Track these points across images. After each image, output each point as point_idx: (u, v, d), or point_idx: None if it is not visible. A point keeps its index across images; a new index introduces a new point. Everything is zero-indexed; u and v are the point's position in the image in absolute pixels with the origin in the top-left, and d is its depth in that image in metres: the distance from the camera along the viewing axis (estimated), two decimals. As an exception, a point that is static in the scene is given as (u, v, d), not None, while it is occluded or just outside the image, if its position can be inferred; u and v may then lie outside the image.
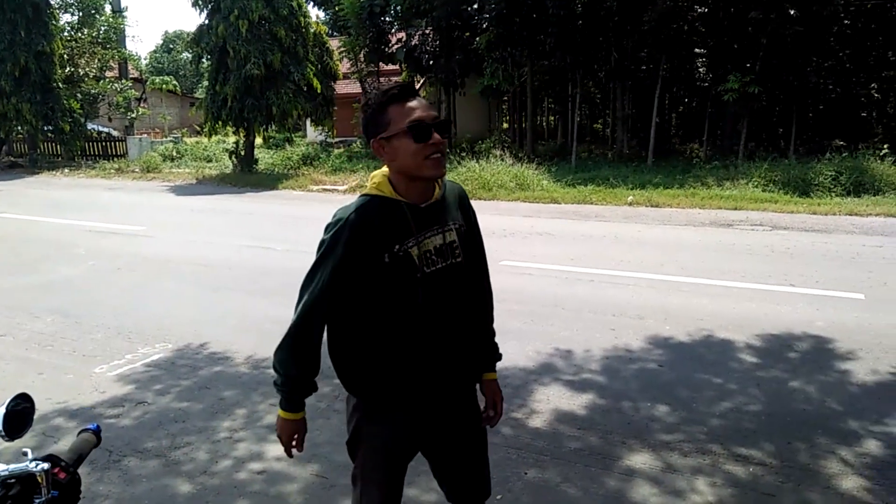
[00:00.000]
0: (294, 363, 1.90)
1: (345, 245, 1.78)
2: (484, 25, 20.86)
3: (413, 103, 1.77)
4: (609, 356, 4.77)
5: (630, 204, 12.19)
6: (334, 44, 24.30)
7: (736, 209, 11.35)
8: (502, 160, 15.80)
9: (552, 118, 30.63)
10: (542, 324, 5.52)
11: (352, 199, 1.87)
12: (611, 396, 4.12)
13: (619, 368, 4.56)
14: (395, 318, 1.86)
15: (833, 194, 12.52)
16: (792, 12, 16.62)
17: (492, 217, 10.85)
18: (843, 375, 4.36)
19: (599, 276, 6.97)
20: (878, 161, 13.57)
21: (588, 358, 4.74)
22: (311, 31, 20.05)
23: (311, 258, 1.83)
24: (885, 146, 14.48)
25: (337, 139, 27.12)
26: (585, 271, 7.20)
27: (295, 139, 27.91)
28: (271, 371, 4.71)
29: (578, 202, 12.57)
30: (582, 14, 18.95)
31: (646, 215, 11.08)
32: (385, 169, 1.88)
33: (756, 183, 13.38)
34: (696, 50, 21.16)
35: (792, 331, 5.20)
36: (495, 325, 2.17)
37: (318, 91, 19.93)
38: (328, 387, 4.28)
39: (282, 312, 6.25)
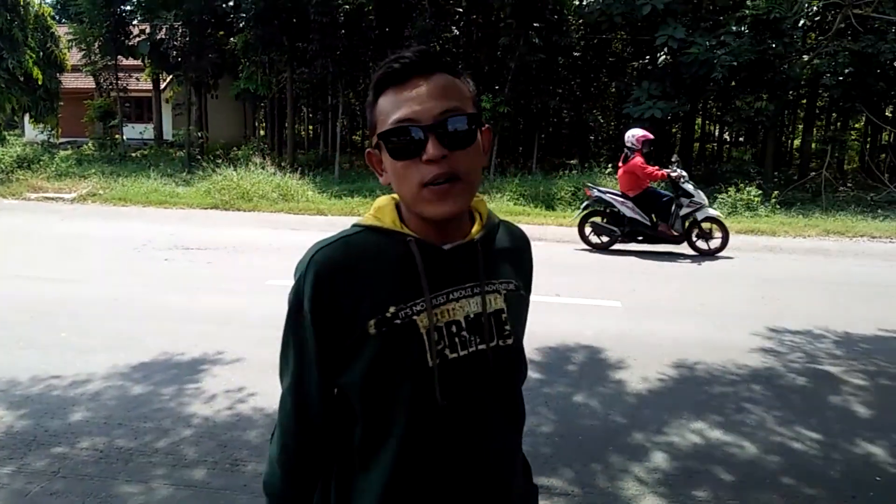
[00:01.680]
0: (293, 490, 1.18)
1: (311, 303, 1.07)
2: (240, 25, 19.66)
3: (410, 91, 1.04)
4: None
5: (397, 216, 12.13)
6: (63, 31, 21.22)
7: (496, 222, 11.81)
8: (263, 169, 14.89)
9: (311, 127, 30.03)
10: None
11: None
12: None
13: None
14: (402, 438, 1.09)
15: (572, 208, 13.71)
16: (536, 41, 18.01)
17: (255, 231, 10.02)
18: (619, 385, 4.45)
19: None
20: (606, 178, 15.18)
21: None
22: (33, 12, 17.21)
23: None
24: (609, 165, 16.23)
25: (63, 139, 23.67)
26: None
27: (8, 138, 23.81)
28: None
29: (346, 214, 12.21)
30: (345, 23, 18.71)
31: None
32: (394, 198, 1.19)
33: (509, 197, 14.23)
34: (454, 69, 22.05)
35: (566, 342, 5.27)
36: None
37: (40, 83, 17.13)
38: (42, 460, 3.30)
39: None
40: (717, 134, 29.69)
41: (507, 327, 1.14)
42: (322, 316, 1.07)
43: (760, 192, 14.02)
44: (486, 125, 1.11)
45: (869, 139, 22.88)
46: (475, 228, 1.14)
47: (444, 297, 1.09)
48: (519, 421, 1.23)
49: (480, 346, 1.10)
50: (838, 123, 22.80)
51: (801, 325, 5.69)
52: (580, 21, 20.19)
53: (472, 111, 1.07)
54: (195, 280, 7.16)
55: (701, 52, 15.70)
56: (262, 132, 25.18)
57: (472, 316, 1.10)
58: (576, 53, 21.66)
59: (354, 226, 1.15)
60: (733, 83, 16.88)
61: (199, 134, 20.72)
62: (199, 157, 18.77)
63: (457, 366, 1.08)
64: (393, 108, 1.04)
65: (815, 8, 17.80)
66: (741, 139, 27.80)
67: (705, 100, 21.90)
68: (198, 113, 21.99)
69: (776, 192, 14.44)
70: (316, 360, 1.10)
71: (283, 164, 16.54)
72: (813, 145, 19.23)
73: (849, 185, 17.26)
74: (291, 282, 1.11)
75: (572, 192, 14.32)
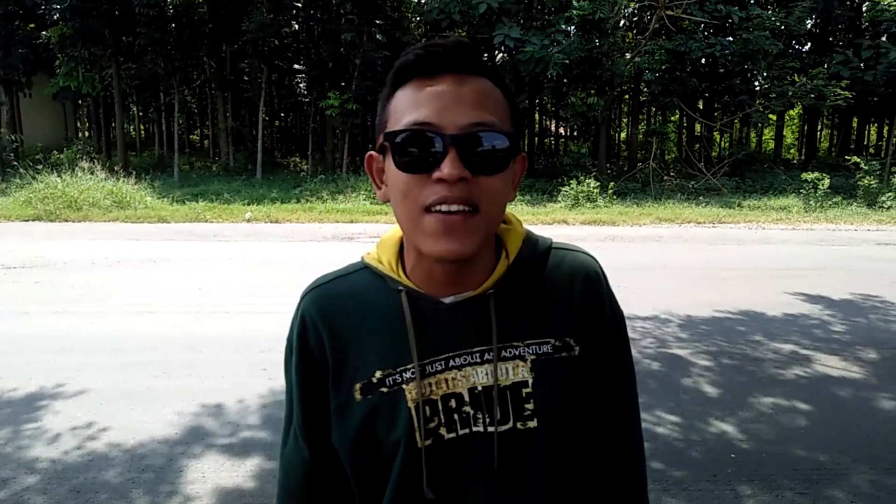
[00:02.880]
0: None
1: (297, 350, 0.93)
2: (54, 17, 17.87)
3: (437, 89, 0.81)
4: (267, 404, 4.17)
5: (249, 220, 11.65)
6: None
7: (353, 222, 11.72)
8: (92, 174, 13.66)
9: (143, 127, 28.09)
10: (178, 375, 4.61)
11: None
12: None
13: (283, 417, 3.99)
14: None
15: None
16: (379, 37, 18.00)
17: (88, 243, 9.15)
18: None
19: (236, 306, 6.26)
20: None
21: (244, 410, 4.07)
22: None
23: None
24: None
25: None
26: (219, 302, 6.40)
27: None
28: None
29: (192, 220, 11.52)
30: (174, 16, 17.59)
31: (268, 232, 10.65)
32: None
33: (365, 196, 14.14)
34: (296, 66, 21.52)
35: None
36: None
37: None
38: None
39: None
40: (553, 129, 31.34)
41: (530, 406, 0.87)
42: (308, 365, 0.93)
43: (598, 183, 15.00)
44: (523, 153, 0.89)
45: (685, 131, 25.20)
46: (494, 275, 0.89)
47: (441, 364, 0.88)
48: None
49: (489, 429, 0.87)
50: (659, 117, 24.90)
51: (648, 311, 6.13)
52: (420, 18, 20.45)
53: (511, 130, 0.85)
54: (22, 303, 6.40)
55: (536, 51, 16.48)
56: (86, 134, 23.05)
57: (479, 389, 0.87)
58: (420, 52, 21.91)
59: (362, 260, 0.97)
60: (566, 80, 17.89)
61: (13, 137, 18.58)
62: (15, 162, 16.81)
63: (454, 449, 0.87)
64: (411, 107, 0.82)
65: (632, 9, 19.31)
66: (576, 133, 29.55)
67: (542, 96, 23.01)
68: (10, 114, 19.75)
69: (612, 184, 15.53)
70: (302, 417, 0.95)
71: (114, 167, 15.25)
72: (640, 137, 20.85)
73: (672, 174, 18.94)
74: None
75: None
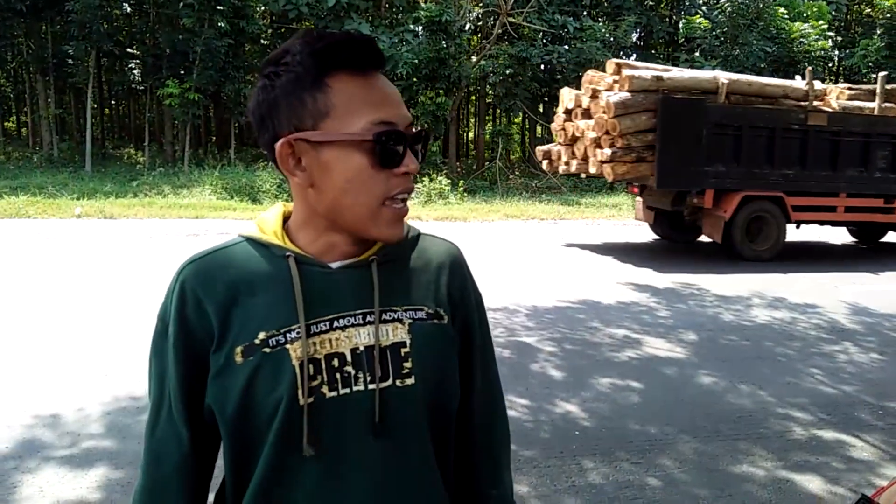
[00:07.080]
0: None
1: (175, 321, 0.93)
2: None
3: (377, 87, 0.90)
4: (111, 410, 3.91)
5: (79, 216, 10.71)
6: None
7: (198, 218, 11.19)
8: None
9: (-55, 112, 24.91)
10: (8, 384, 4.20)
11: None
12: (128, 464, 3.35)
13: (129, 424, 3.76)
14: (255, 495, 0.93)
15: (280, 199, 13.59)
16: (221, 25, 17.27)
17: None
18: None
19: (75, 307, 5.78)
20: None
21: (84, 419, 3.80)
22: None
23: None
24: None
25: None
26: (55, 302, 5.88)
27: None
28: None
29: (12, 216, 10.41)
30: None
31: (101, 228, 9.86)
32: (285, 206, 1.01)
33: (211, 191, 13.53)
34: (130, 50, 20.05)
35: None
36: None
37: None
38: None
39: None
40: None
41: (408, 364, 0.95)
42: (187, 336, 0.93)
43: (449, 181, 15.39)
44: None
45: (528, 132, 26.49)
46: (375, 246, 0.98)
47: (326, 325, 0.92)
48: (429, 479, 0.99)
49: (370, 386, 0.93)
50: (504, 118, 25.97)
51: (498, 303, 6.42)
52: (264, 8, 19.86)
53: None
54: None
55: (386, 49, 16.59)
56: None
57: (361, 349, 0.93)
58: (264, 41, 21.23)
59: (240, 235, 1.00)
60: (415, 79, 18.18)
61: None
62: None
63: (335, 407, 0.92)
64: (367, 105, 0.88)
65: (477, 14, 20.00)
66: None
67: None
68: None
69: (462, 182, 16.02)
70: (179, 393, 0.94)
71: None
72: (487, 137, 21.64)
73: (517, 173, 19.86)
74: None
75: (277, 184, 14.15)
